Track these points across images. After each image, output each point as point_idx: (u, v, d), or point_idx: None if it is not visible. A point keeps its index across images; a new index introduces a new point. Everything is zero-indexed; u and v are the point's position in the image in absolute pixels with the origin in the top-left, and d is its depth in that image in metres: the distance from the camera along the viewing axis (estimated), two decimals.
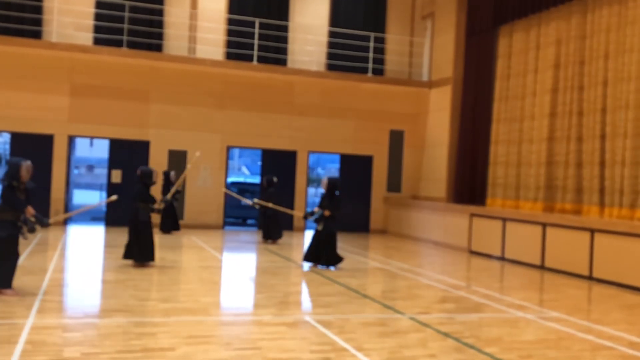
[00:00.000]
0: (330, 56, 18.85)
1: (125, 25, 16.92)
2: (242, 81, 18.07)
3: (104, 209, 18.47)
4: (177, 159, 17.62)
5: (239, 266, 11.71)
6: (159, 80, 17.43)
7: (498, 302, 9.00)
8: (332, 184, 11.45)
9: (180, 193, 16.19)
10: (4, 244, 7.72)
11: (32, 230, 7.89)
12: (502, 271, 12.62)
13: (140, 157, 15.33)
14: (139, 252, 10.58)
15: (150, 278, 10.06)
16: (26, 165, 7.80)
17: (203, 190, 17.88)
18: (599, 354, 6.41)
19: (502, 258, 14.04)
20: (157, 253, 12.86)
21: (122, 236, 14.60)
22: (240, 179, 26.95)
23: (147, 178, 10.66)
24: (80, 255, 11.95)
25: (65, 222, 17.18)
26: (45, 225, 8.03)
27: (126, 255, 10.65)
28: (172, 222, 16.23)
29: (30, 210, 7.83)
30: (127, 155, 17.26)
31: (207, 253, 12.90)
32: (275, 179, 15.42)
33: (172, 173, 16.20)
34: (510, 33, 16.29)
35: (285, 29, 18.55)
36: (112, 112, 17.08)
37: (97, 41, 16.85)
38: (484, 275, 11.83)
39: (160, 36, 17.45)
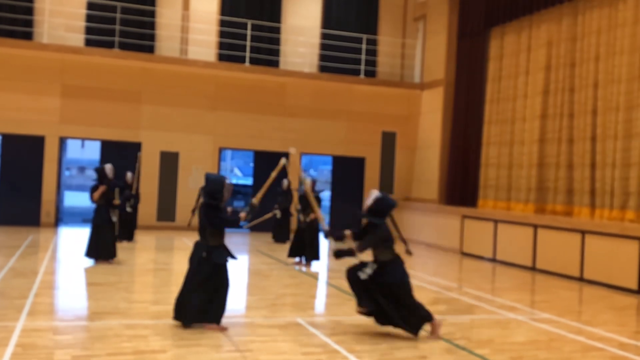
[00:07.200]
0: (322, 58, 18.86)
1: (117, 27, 16.87)
2: (234, 83, 18.05)
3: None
4: (169, 161, 17.58)
5: (231, 268, 11.68)
6: (151, 82, 17.39)
7: (489, 303, 9.02)
8: None
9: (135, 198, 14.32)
10: (224, 272, 6.83)
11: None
12: (493, 272, 12.65)
13: (132, 159, 15.22)
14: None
15: (142, 280, 10.04)
16: (228, 184, 6.78)
17: (195, 191, 17.81)
18: (589, 355, 6.44)
19: (493, 259, 14.08)
20: (150, 256, 12.83)
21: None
22: (233, 181, 26.92)
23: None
24: (71, 257, 11.88)
25: (57, 224, 17.09)
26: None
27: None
28: (126, 230, 13.98)
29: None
30: (119, 156, 17.18)
31: None
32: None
33: (129, 174, 14.19)
34: (502, 35, 16.35)
35: (277, 30, 18.54)
36: (103, 113, 17.03)
37: (88, 42, 16.79)
38: (476, 277, 11.86)
39: (152, 37, 17.41)
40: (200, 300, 6.64)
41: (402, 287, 6.62)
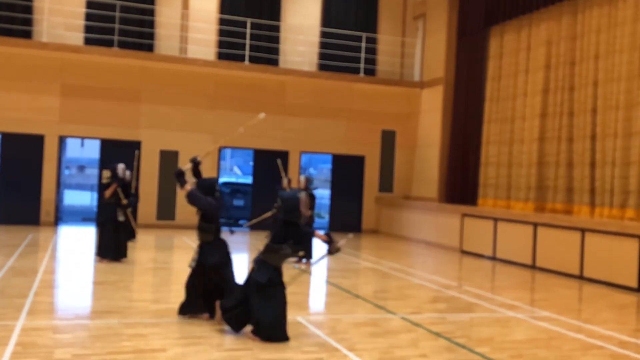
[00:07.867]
0: (322, 56, 18.85)
1: (116, 25, 16.85)
2: (234, 81, 18.05)
3: (94, 209, 18.35)
4: (169, 160, 17.57)
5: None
6: (150, 81, 17.38)
7: (489, 301, 9.03)
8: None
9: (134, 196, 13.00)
10: (264, 290, 6.40)
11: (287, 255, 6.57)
12: (493, 271, 12.66)
13: (131, 158, 15.19)
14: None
15: (142, 279, 10.04)
16: (305, 199, 6.55)
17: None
18: (589, 353, 6.44)
19: (493, 258, 14.08)
20: (150, 255, 12.84)
21: None
22: (232, 180, 26.90)
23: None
24: (71, 256, 11.89)
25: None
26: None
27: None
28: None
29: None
30: (118, 155, 17.13)
31: None
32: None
33: (127, 172, 12.94)
34: (502, 34, 16.34)
35: (277, 29, 18.53)
36: (103, 112, 17.02)
37: (87, 41, 16.77)
38: (476, 275, 11.87)
39: (151, 36, 17.39)
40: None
41: (224, 267, 7.08)
